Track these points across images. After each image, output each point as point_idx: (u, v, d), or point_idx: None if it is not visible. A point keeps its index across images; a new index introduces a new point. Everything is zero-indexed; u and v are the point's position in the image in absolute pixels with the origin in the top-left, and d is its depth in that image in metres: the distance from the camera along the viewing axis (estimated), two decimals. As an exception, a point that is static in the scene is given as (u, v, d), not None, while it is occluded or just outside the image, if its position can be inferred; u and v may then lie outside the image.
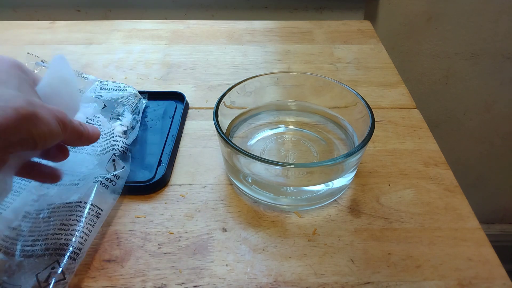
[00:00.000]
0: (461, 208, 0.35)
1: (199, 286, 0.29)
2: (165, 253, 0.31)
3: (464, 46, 0.81)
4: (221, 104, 0.37)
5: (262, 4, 0.74)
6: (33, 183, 0.34)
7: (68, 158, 0.31)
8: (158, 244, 0.32)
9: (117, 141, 0.37)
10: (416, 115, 0.46)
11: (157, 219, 0.34)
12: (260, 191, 0.34)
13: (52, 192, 0.33)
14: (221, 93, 0.38)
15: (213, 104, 0.36)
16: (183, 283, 0.29)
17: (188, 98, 0.48)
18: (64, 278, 0.27)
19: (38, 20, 0.73)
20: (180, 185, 0.37)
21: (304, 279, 0.30)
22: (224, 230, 0.33)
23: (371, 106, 0.36)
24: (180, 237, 0.33)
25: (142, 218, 0.34)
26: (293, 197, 0.34)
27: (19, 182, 0.34)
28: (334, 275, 0.30)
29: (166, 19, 0.71)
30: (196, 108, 0.47)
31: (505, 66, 0.83)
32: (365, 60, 0.56)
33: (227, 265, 0.31)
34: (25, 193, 0.33)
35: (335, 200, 0.36)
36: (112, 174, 0.34)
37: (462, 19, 0.77)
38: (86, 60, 0.56)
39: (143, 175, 0.37)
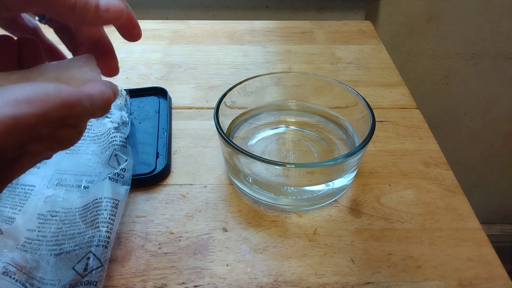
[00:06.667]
0: (461, 209, 0.35)
1: (199, 286, 0.29)
2: (165, 253, 0.31)
3: (465, 46, 0.80)
4: (222, 104, 0.37)
5: (263, 4, 0.74)
6: (38, 187, 0.34)
7: (70, 160, 0.31)
8: (159, 244, 0.32)
9: (114, 137, 0.37)
10: (416, 115, 0.46)
11: (158, 219, 0.34)
12: (260, 191, 0.34)
13: (61, 194, 0.34)
14: (221, 93, 0.38)
15: (214, 104, 0.36)
16: (183, 283, 0.29)
17: (189, 98, 0.48)
18: (102, 265, 0.28)
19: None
20: (180, 185, 0.37)
21: (304, 279, 0.30)
22: (225, 230, 0.33)
23: (371, 106, 0.36)
24: (180, 237, 0.33)
25: (142, 218, 0.34)
26: (294, 197, 0.34)
27: (24, 187, 0.34)
28: (335, 275, 0.30)
29: (167, 19, 0.71)
30: (197, 108, 0.47)
31: (506, 66, 0.83)
32: (366, 60, 0.56)
33: (227, 265, 0.31)
34: (32, 197, 0.33)
35: (335, 200, 0.36)
36: (119, 169, 0.34)
37: (463, 19, 0.77)
38: (87, 60, 0.56)
39: (144, 169, 0.38)
